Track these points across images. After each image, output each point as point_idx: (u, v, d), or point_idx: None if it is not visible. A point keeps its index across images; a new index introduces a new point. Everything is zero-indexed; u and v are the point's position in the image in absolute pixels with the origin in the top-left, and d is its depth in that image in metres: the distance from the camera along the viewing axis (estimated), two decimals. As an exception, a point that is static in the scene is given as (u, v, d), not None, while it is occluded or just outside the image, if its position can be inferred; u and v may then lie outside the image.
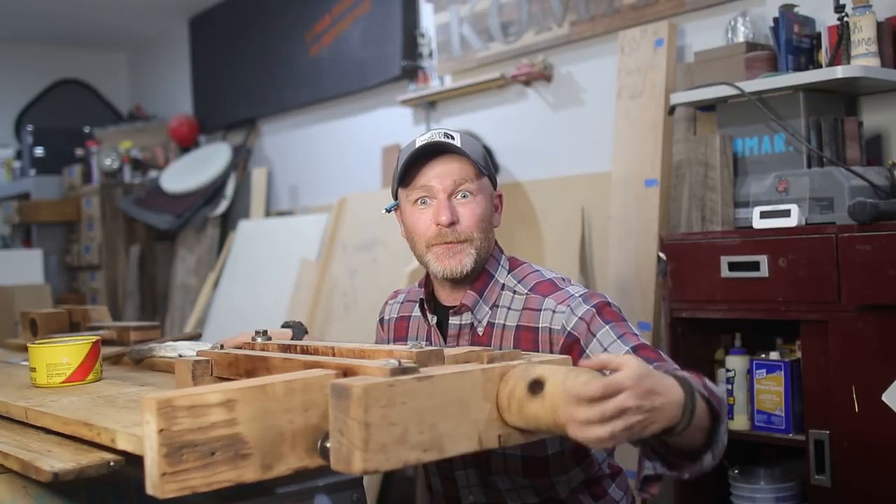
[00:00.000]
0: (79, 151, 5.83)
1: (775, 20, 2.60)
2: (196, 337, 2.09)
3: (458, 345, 1.60)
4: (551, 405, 1.05)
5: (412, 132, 4.30)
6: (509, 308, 1.59)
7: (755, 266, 2.29)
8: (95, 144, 5.78)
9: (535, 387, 1.07)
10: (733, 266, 2.34)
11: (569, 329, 1.50)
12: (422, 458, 1.01)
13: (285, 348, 1.32)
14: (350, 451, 0.97)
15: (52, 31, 6.21)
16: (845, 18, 2.40)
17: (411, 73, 4.18)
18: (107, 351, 1.85)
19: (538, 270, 1.64)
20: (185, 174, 5.51)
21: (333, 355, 1.23)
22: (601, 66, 3.35)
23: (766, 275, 2.27)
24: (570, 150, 3.51)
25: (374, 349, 1.21)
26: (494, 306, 1.60)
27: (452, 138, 1.58)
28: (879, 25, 2.40)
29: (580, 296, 1.54)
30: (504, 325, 1.58)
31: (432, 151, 1.57)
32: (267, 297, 4.67)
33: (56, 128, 6.06)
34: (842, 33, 2.41)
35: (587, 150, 3.42)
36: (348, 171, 4.75)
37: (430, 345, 1.28)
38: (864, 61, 2.37)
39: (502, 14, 3.69)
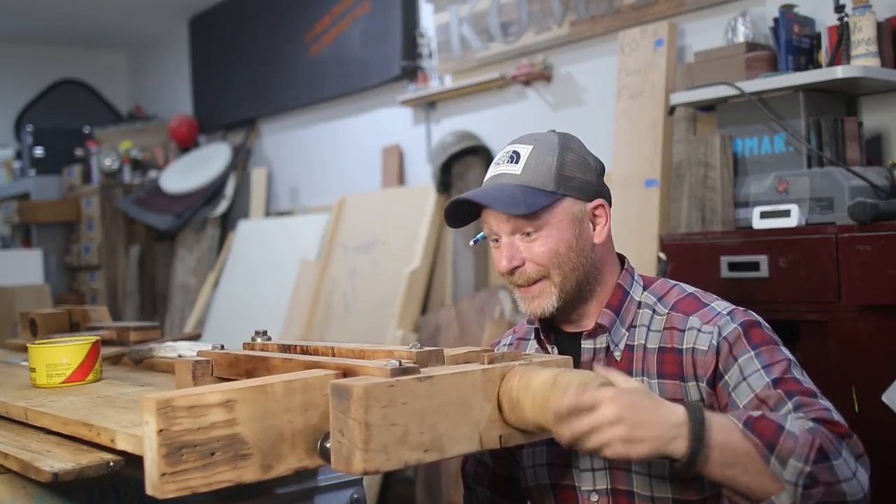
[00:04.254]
0: (79, 152, 5.83)
1: (775, 20, 2.60)
2: (196, 337, 2.09)
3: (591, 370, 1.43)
4: (554, 413, 1.06)
5: (412, 132, 4.30)
6: (649, 328, 1.42)
7: (755, 266, 2.29)
8: (95, 145, 5.78)
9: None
10: (733, 266, 2.34)
11: (715, 347, 1.35)
12: (423, 458, 1.01)
13: (285, 348, 1.31)
14: (351, 451, 0.97)
15: (52, 31, 6.21)
16: (845, 18, 2.40)
17: (411, 73, 4.18)
18: (106, 351, 1.85)
19: (677, 285, 1.47)
20: (184, 174, 5.51)
21: (333, 355, 1.23)
22: (601, 67, 3.35)
23: (766, 275, 2.26)
24: (570, 151, 3.51)
25: (373, 349, 1.21)
26: (632, 326, 1.44)
27: (517, 160, 1.41)
28: (879, 25, 2.40)
29: (727, 313, 1.38)
30: (645, 346, 1.41)
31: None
32: (267, 298, 4.67)
33: (56, 128, 6.06)
34: (842, 33, 2.41)
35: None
36: (348, 171, 4.75)
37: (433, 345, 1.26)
38: (864, 61, 2.37)
39: (502, 14, 3.69)
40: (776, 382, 1.29)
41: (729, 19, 2.81)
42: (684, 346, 1.37)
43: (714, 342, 1.35)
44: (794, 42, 2.55)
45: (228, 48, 5.58)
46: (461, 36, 3.90)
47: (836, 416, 1.26)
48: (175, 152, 5.85)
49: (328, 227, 4.50)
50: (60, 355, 1.57)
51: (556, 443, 1.23)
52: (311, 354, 1.26)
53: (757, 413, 1.20)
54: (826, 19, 2.56)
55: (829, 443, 1.20)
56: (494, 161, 1.45)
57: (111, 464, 1.10)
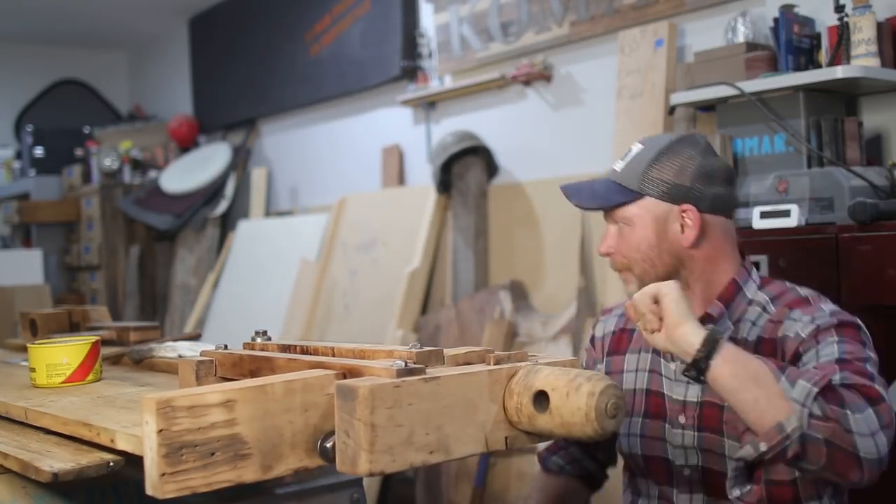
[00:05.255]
0: (79, 151, 5.83)
1: (775, 20, 2.60)
2: (196, 337, 2.09)
3: None
4: (560, 420, 1.05)
5: (412, 132, 4.31)
6: (754, 323, 1.48)
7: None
8: (95, 144, 5.78)
9: (540, 401, 1.06)
10: (733, 266, 2.34)
11: (803, 336, 1.40)
12: (428, 459, 1.01)
13: (285, 348, 1.31)
14: (356, 452, 0.97)
15: (52, 31, 6.21)
16: (845, 18, 2.40)
17: (411, 73, 4.18)
18: (106, 351, 1.85)
19: (794, 288, 1.51)
20: (184, 174, 5.51)
21: (333, 355, 1.23)
22: (601, 66, 3.35)
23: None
24: (571, 151, 3.51)
25: (373, 349, 1.21)
26: (738, 321, 1.49)
27: (627, 155, 1.52)
28: (879, 25, 2.40)
29: (830, 311, 1.42)
30: (746, 339, 1.46)
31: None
32: (267, 298, 4.67)
33: (56, 128, 6.07)
34: (842, 33, 2.41)
35: (587, 150, 3.42)
36: (348, 171, 4.75)
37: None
38: (864, 61, 2.37)
39: (502, 14, 3.69)
40: (841, 362, 1.32)
41: (729, 19, 2.81)
42: (779, 335, 1.42)
43: (803, 331, 1.39)
44: (794, 42, 2.55)
45: (228, 48, 5.58)
46: (461, 36, 3.90)
47: (877, 388, 1.27)
48: (175, 152, 5.85)
49: (328, 227, 4.50)
50: (60, 355, 1.57)
51: (649, 415, 1.46)
52: (311, 354, 1.26)
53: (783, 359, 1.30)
54: (826, 19, 2.56)
55: (850, 393, 1.23)
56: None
57: (111, 464, 1.10)
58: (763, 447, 1.21)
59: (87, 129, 5.99)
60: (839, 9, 2.40)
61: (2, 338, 2.72)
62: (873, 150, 2.58)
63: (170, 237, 5.57)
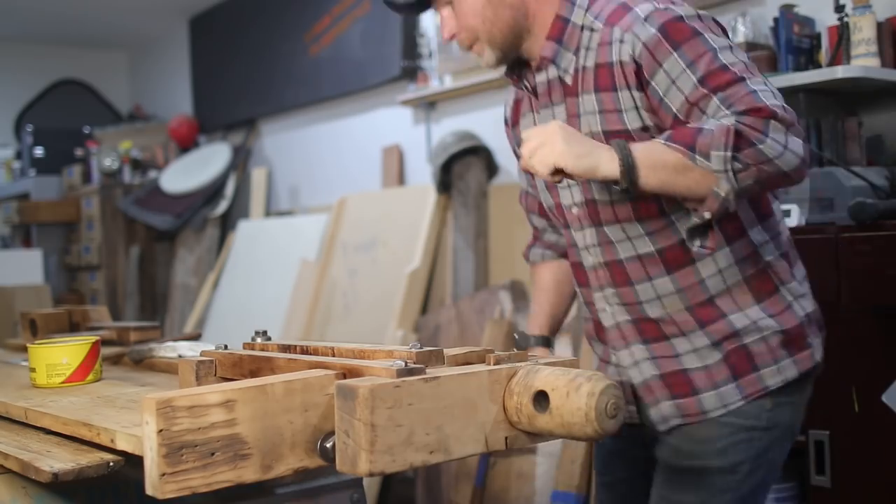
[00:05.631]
0: (79, 152, 5.83)
1: (775, 20, 2.60)
2: (196, 337, 2.09)
3: (551, 101, 1.52)
4: (561, 421, 1.05)
5: (412, 132, 4.30)
6: (588, 47, 1.45)
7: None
8: (95, 145, 5.78)
9: (541, 401, 1.06)
10: (733, 266, 2.34)
11: (634, 57, 1.37)
12: (428, 459, 1.01)
13: (285, 348, 1.31)
14: (356, 452, 0.97)
15: (52, 31, 6.21)
16: (845, 19, 2.40)
17: (411, 73, 4.18)
18: (106, 351, 1.85)
19: None
20: (184, 174, 5.51)
21: (333, 356, 1.23)
22: (601, 67, 3.35)
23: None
24: (570, 151, 3.51)
25: (373, 350, 1.21)
26: (578, 49, 1.46)
27: None
28: (879, 26, 2.40)
29: (646, 18, 1.37)
30: (584, 66, 1.45)
31: None
32: (267, 298, 4.67)
33: (56, 128, 6.07)
34: (842, 33, 2.41)
35: (587, 150, 3.42)
36: (348, 171, 4.75)
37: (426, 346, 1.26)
38: (864, 61, 2.37)
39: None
40: (702, 81, 1.32)
41: (729, 19, 2.81)
42: (612, 60, 1.41)
43: (634, 51, 1.37)
44: (794, 42, 2.56)
45: (228, 48, 5.58)
46: (461, 36, 3.90)
47: (762, 100, 1.30)
48: (175, 152, 5.85)
49: (328, 227, 4.50)
50: (60, 355, 1.57)
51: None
52: (311, 354, 1.26)
53: (672, 131, 1.31)
54: (826, 19, 2.56)
55: (750, 128, 1.27)
56: None
57: (111, 464, 1.11)
58: (707, 215, 1.29)
59: (87, 129, 5.99)
60: (839, 9, 2.40)
61: (2, 338, 2.72)
62: (873, 150, 2.58)
63: (170, 237, 5.57)
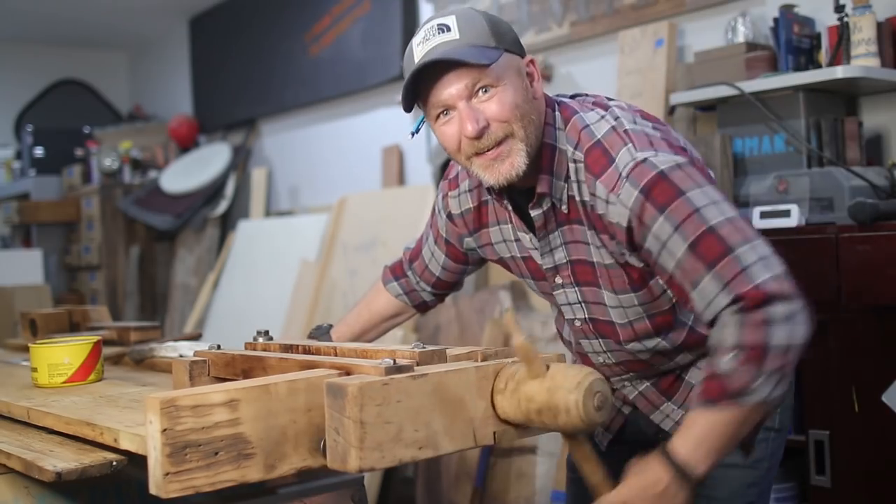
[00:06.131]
0: (79, 152, 5.83)
1: (775, 20, 2.61)
2: (196, 337, 2.10)
3: (546, 231, 1.46)
4: (550, 385, 1.07)
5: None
6: (577, 181, 1.40)
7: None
8: (95, 145, 5.78)
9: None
10: (733, 266, 2.34)
11: (624, 226, 1.34)
12: (417, 455, 1.02)
13: (287, 348, 1.32)
14: (346, 449, 0.97)
15: (52, 31, 6.21)
16: (845, 18, 2.40)
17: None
18: (107, 351, 1.85)
19: (586, 127, 1.41)
20: (185, 174, 5.51)
21: (335, 355, 1.23)
22: (601, 66, 3.35)
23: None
24: (570, 151, 3.51)
25: (375, 349, 1.21)
26: (567, 178, 1.41)
27: (448, 29, 1.36)
28: (879, 25, 2.40)
29: (627, 175, 1.32)
30: (581, 200, 1.41)
31: (434, 68, 1.36)
32: (267, 298, 4.67)
33: (56, 128, 6.06)
34: (842, 33, 2.41)
35: (587, 150, 3.42)
36: (348, 171, 4.75)
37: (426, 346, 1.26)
38: (864, 61, 2.37)
39: (502, 14, 3.69)
40: (693, 248, 1.27)
41: (729, 19, 2.82)
42: (601, 213, 1.38)
43: (623, 220, 1.34)
44: (794, 42, 2.56)
45: (228, 48, 5.58)
46: (461, 36, 3.90)
47: (756, 279, 1.24)
48: (175, 152, 5.85)
49: (328, 227, 4.50)
50: (62, 355, 1.57)
51: (536, 277, 1.55)
52: (313, 354, 1.26)
53: (700, 385, 1.27)
54: (826, 19, 2.56)
55: (756, 334, 1.22)
56: (417, 42, 1.39)
57: (114, 463, 1.11)
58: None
59: (87, 129, 5.98)
60: (839, 9, 2.40)
61: (2, 338, 2.73)
62: (873, 150, 2.58)
63: (170, 237, 5.57)
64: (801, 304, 1.25)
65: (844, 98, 2.56)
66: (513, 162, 1.37)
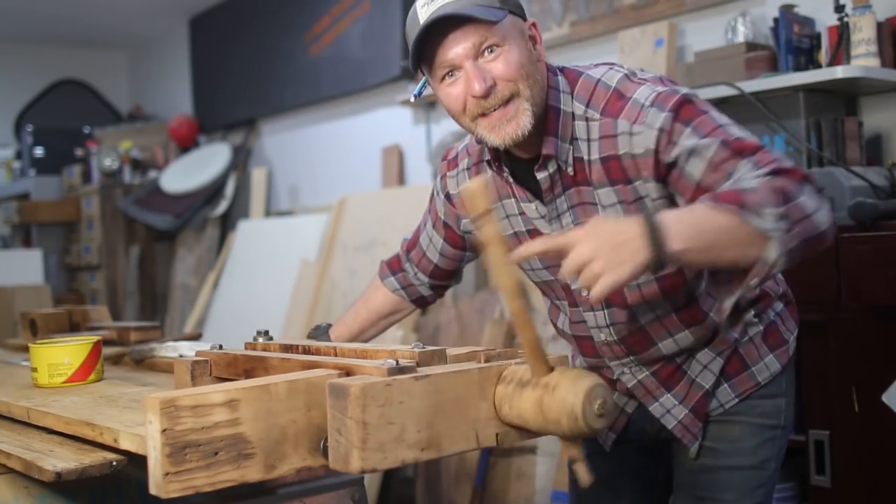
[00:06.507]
0: (79, 152, 5.83)
1: (775, 20, 2.61)
2: (196, 337, 2.10)
3: (553, 195, 1.45)
4: (553, 390, 1.07)
5: (412, 132, 4.31)
6: (588, 139, 1.40)
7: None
8: (95, 145, 5.78)
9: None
10: (733, 266, 2.34)
11: (652, 147, 1.34)
12: (419, 456, 1.02)
13: (287, 348, 1.32)
14: (348, 450, 0.97)
15: (52, 31, 6.21)
16: (845, 18, 2.40)
17: (411, 73, 4.18)
18: (107, 351, 1.85)
19: (600, 80, 1.42)
20: (185, 174, 5.51)
21: (335, 355, 1.23)
22: (601, 67, 3.35)
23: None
24: (570, 151, 3.51)
25: (375, 349, 1.21)
26: (573, 139, 1.41)
27: None
28: (879, 25, 2.40)
29: (651, 104, 1.34)
30: (589, 159, 1.40)
31: (441, 26, 1.36)
32: (267, 298, 4.67)
33: (56, 128, 6.06)
34: (842, 33, 2.41)
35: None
36: (348, 171, 4.75)
37: (426, 346, 1.25)
38: (864, 61, 2.37)
39: (502, 14, 3.69)
40: (724, 145, 1.30)
41: (729, 19, 2.82)
42: (621, 152, 1.37)
43: (650, 144, 1.33)
44: (794, 42, 2.56)
45: (228, 48, 5.58)
46: (461, 36, 3.90)
47: (790, 163, 1.28)
48: (175, 152, 5.85)
49: (328, 227, 4.50)
50: (62, 355, 1.57)
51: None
52: (313, 354, 1.26)
53: (715, 192, 1.24)
54: (826, 19, 2.56)
55: (791, 184, 1.23)
56: (421, 3, 1.39)
57: (114, 463, 1.11)
58: (754, 282, 1.23)
59: (87, 129, 5.99)
60: (839, 9, 2.40)
61: (2, 338, 2.73)
62: (873, 150, 2.58)
63: (170, 237, 5.57)
64: (826, 198, 1.27)
65: (844, 98, 2.56)
66: (518, 122, 1.36)
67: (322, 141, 4.98)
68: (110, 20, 6.02)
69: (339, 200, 4.52)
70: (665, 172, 1.35)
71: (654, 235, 1.14)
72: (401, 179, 4.37)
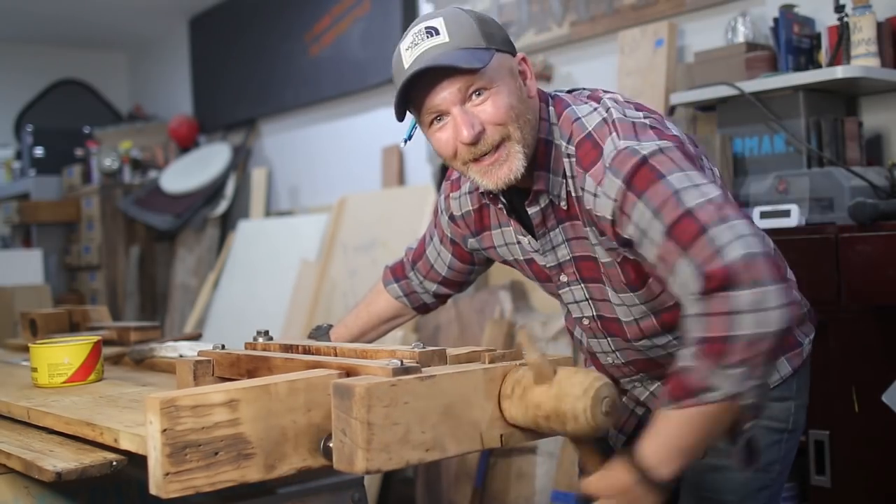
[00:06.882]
0: (78, 152, 5.83)
1: (775, 20, 2.61)
2: (196, 337, 2.10)
3: (546, 229, 1.44)
4: (557, 392, 1.06)
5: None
6: (573, 176, 1.38)
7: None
8: (95, 145, 5.78)
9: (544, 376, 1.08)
10: (733, 266, 2.34)
11: (609, 218, 1.31)
12: (424, 457, 1.01)
13: (287, 348, 1.32)
14: (353, 450, 0.97)
15: (52, 31, 6.21)
16: (845, 18, 2.40)
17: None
18: (107, 351, 1.85)
19: (577, 120, 1.38)
20: (185, 174, 5.51)
21: (335, 355, 1.23)
22: (601, 67, 3.35)
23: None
24: (570, 151, 3.51)
25: (375, 349, 1.21)
26: (565, 175, 1.38)
27: (437, 32, 1.33)
28: (879, 25, 2.40)
29: (609, 167, 1.29)
30: (576, 196, 1.38)
31: (426, 74, 1.33)
32: (267, 298, 4.67)
33: (56, 128, 6.06)
34: (842, 33, 2.41)
35: (587, 150, 3.42)
36: (348, 171, 4.75)
37: (425, 346, 1.25)
38: (864, 61, 2.37)
39: (502, 14, 3.69)
40: (669, 233, 1.22)
41: (729, 19, 2.82)
42: (587, 207, 1.35)
43: (608, 213, 1.31)
44: (794, 42, 2.56)
45: (228, 48, 5.58)
46: (461, 36, 3.90)
47: (724, 257, 1.16)
48: (175, 152, 5.85)
49: (328, 227, 4.50)
50: (62, 355, 1.57)
51: (541, 279, 1.53)
52: (313, 354, 1.26)
53: (666, 382, 1.21)
54: (826, 19, 2.56)
55: (717, 325, 1.15)
56: (405, 47, 1.35)
57: (114, 463, 1.11)
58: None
59: (87, 129, 5.98)
60: (839, 9, 2.40)
61: (2, 338, 2.73)
62: (873, 150, 2.58)
63: (170, 237, 5.56)
64: (775, 286, 1.15)
65: (844, 98, 2.56)
66: (511, 166, 1.34)
67: (322, 141, 4.98)
68: (110, 20, 6.02)
69: (339, 200, 4.52)
70: (624, 242, 1.33)
71: (646, 477, 1.18)
72: (401, 179, 4.37)
